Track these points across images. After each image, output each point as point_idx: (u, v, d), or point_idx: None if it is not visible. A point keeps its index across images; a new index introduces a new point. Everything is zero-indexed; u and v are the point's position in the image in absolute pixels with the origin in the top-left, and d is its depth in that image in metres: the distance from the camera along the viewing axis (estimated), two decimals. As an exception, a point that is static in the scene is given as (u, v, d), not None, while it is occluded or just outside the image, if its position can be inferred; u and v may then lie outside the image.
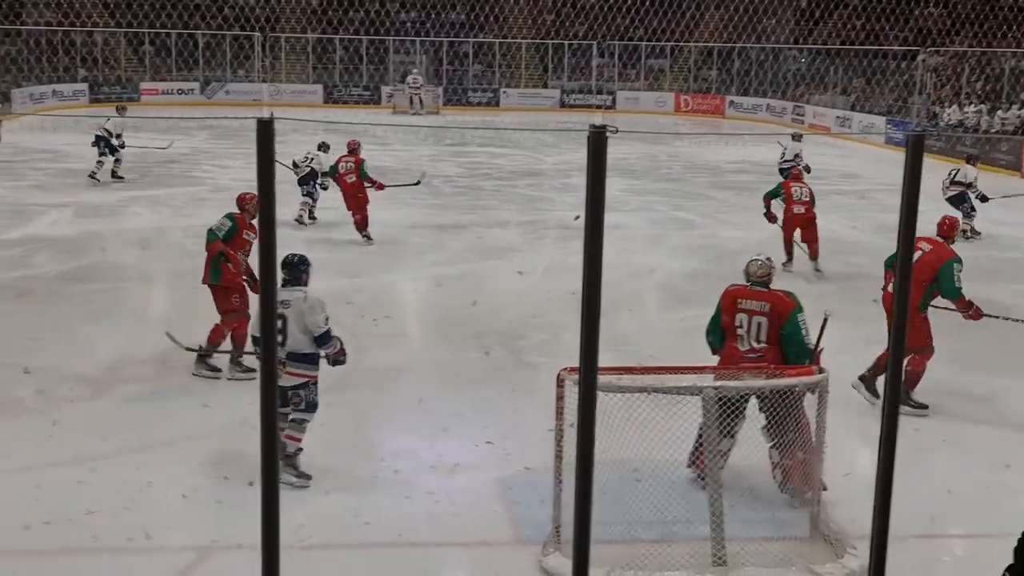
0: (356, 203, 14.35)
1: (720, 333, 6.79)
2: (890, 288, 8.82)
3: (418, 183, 15.65)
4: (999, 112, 27.52)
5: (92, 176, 19.07)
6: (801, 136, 19.03)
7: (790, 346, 6.49)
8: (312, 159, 15.41)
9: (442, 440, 7.52)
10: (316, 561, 5.77)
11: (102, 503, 6.29)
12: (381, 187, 14.52)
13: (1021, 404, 8.80)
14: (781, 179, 15.53)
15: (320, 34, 40.03)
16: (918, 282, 7.84)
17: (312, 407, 6.73)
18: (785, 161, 17.73)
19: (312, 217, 15.61)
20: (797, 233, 13.28)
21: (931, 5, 34.42)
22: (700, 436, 6.21)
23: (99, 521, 6.09)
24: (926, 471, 6.96)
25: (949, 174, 15.88)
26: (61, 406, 7.97)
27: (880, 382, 7.58)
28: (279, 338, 6.41)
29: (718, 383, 5.74)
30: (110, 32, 37.28)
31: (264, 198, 3.12)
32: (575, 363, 3.27)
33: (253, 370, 8.46)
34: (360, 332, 10.01)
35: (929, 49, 32.24)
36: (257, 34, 38.95)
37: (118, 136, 19.24)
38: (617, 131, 3.16)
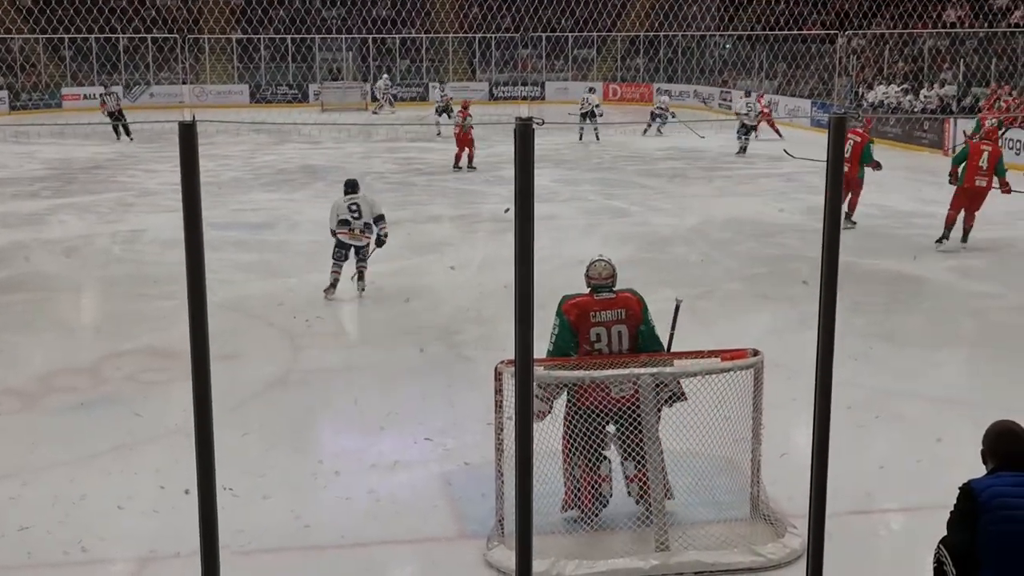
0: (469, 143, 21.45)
1: (574, 353, 5.97)
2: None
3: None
4: (923, 91, 28.02)
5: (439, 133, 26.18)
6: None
7: (647, 343, 6.01)
8: (586, 100, 26.95)
9: (380, 438, 7.47)
10: (258, 567, 5.70)
11: (36, 518, 6.16)
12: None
13: (951, 378, 8.99)
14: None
15: (242, 34, 39.56)
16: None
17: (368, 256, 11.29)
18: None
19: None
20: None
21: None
22: (575, 472, 5.97)
23: (33, 536, 5.96)
24: (860, 448, 7.05)
25: None
26: (-11, 420, 7.79)
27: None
28: (356, 215, 11.06)
29: (654, 369, 5.74)
30: (24, 39, 36.52)
31: (188, 201, 3.07)
32: (512, 355, 3.27)
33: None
34: (295, 333, 9.93)
35: (848, 32, 32.71)
36: (177, 36, 38.39)
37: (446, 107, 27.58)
38: (543, 123, 3.15)
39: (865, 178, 15.11)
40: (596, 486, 5.99)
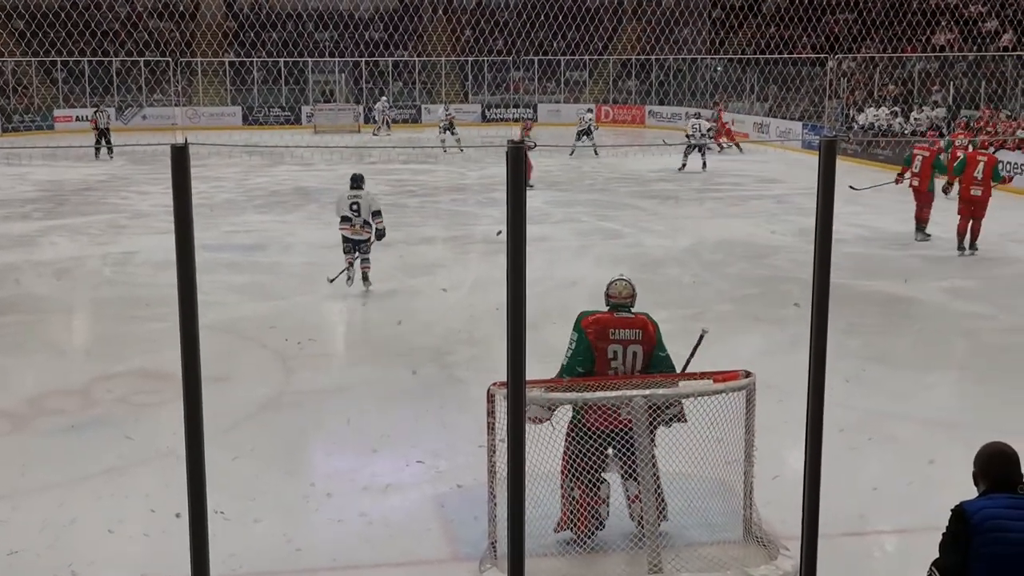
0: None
1: (591, 369, 5.96)
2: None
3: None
4: (913, 114, 28.17)
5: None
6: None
7: (660, 367, 6.02)
8: (582, 118, 27.89)
9: (373, 461, 7.45)
10: (249, 590, 5.67)
11: (25, 542, 6.12)
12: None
13: (943, 400, 8.99)
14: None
15: (235, 57, 39.65)
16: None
17: (369, 250, 12.14)
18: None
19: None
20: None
21: (842, 11, 35.14)
22: (573, 499, 5.90)
23: (23, 561, 5.92)
24: (853, 470, 7.05)
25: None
26: (-21, 443, 7.75)
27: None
28: (356, 213, 11.89)
29: (647, 391, 5.73)
30: (17, 61, 36.55)
31: (180, 223, 3.07)
32: (504, 377, 3.27)
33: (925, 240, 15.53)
34: (287, 355, 9.91)
35: (838, 56, 32.90)
36: (169, 59, 38.46)
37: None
38: (535, 146, 3.16)
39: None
40: (594, 507, 5.96)
